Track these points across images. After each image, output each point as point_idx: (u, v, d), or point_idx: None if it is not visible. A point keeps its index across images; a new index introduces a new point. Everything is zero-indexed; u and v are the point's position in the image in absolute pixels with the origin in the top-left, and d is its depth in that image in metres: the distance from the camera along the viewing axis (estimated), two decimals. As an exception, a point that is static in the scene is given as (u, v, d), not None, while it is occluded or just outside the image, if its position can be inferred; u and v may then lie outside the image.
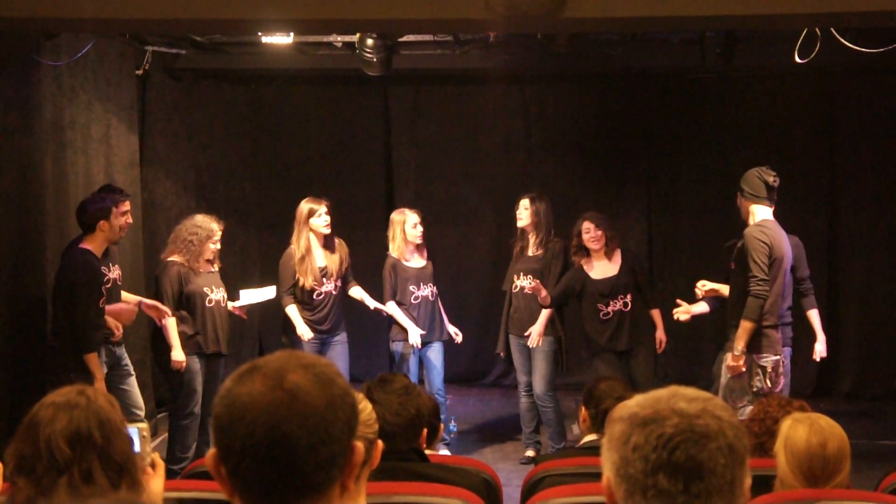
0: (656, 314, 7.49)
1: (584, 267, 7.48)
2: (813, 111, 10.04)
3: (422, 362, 7.77)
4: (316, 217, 7.47)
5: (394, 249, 7.75)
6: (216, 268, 7.21)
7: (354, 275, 7.83)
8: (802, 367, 9.82)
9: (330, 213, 7.51)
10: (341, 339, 7.63)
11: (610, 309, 7.40)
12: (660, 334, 7.44)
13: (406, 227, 7.70)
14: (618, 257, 7.48)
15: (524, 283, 7.60)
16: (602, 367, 7.32)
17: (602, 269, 7.47)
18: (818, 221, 9.96)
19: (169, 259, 7.02)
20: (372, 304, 7.69)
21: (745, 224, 6.37)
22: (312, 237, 7.51)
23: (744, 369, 6.04)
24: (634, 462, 1.62)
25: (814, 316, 6.96)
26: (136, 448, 2.77)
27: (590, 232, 7.43)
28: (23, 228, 6.94)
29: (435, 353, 7.75)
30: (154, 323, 7.03)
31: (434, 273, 7.83)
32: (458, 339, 7.92)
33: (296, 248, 7.50)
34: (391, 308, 7.72)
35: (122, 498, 0.87)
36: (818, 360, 7.14)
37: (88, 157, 7.76)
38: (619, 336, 7.39)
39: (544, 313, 7.49)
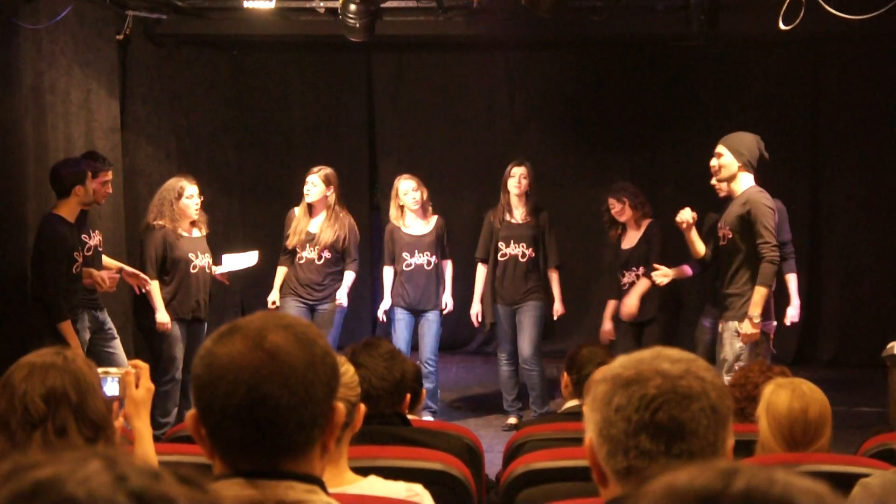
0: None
1: (621, 237, 7.55)
2: (797, 78, 10.03)
3: (416, 330, 7.79)
4: (305, 185, 7.48)
5: (392, 217, 7.78)
6: (203, 233, 7.19)
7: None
8: (783, 334, 9.87)
9: (329, 183, 7.44)
10: (329, 308, 7.56)
11: (626, 280, 7.44)
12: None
13: (399, 193, 7.68)
14: (642, 229, 7.46)
15: (514, 251, 7.59)
16: (622, 338, 7.39)
17: (629, 239, 7.52)
18: (801, 189, 9.97)
19: (155, 223, 7.01)
20: (339, 292, 7.60)
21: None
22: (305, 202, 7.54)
23: (759, 338, 5.97)
24: (617, 423, 1.62)
25: (792, 280, 7.01)
26: (116, 391, 2.84)
27: (614, 207, 7.47)
28: (2, 193, 6.88)
29: (428, 322, 7.73)
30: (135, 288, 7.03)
31: (437, 241, 7.76)
32: (446, 309, 7.85)
33: (299, 206, 7.57)
34: (385, 273, 7.80)
35: (100, 451, 0.86)
36: (788, 324, 7.20)
37: (69, 122, 7.70)
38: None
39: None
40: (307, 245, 7.47)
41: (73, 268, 6.33)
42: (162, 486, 0.86)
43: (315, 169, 7.52)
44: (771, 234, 5.96)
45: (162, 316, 6.87)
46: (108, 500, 0.83)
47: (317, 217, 7.52)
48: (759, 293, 5.95)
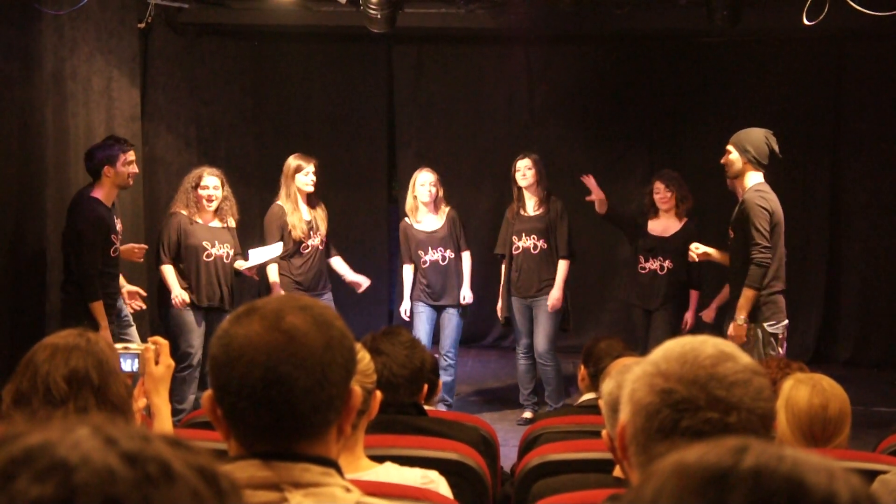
0: (692, 294, 7.45)
1: (648, 222, 7.58)
2: (819, 75, 9.96)
3: (438, 325, 7.76)
4: (302, 174, 7.33)
5: (407, 207, 7.73)
6: (228, 224, 7.16)
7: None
8: (802, 333, 9.84)
9: (317, 173, 7.39)
10: (326, 298, 7.47)
11: (647, 265, 7.48)
12: (688, 315, 7.40)
13: (416, 184, 7.65)
14: (681, 224, 7.49)
15: (526, 243, 7.57)
16: (634, 320, 7.62)
17: (661, 225, 7.54)
18: (821, 187, 9.92)
19: (173, 210, 7.07)
20: (351, 276, 7.66)
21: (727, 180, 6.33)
22: (297, 193, 7.39)
23: (745, 339, 5.94)
24: (655, 436, 1.60)
25: None
26: (135, 368, 2.86)
27: (660, 192, 7.50)
28: (23, 179, 6.90)
29: (449, 316, 7.69)
30: (159, 275, 7.08)
31: (449, 235, 7.69)
32: (465, 301, 7.72)
33: (284, 201, 7.37)
34: (404, 272, 7.75)
35: (87, 418, 0.88)
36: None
37: (89, 109, 7.72)
38: (649, 295, 7.45)
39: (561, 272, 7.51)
40: (310, 233, 7.39)
41: (111, 251, 6.38)
42: (153, 447, 0.86)
43: (302, 156, 7.40)
44: (761, 236, 5.88)
45: (177, 291, 6.89)
46: (102, 463, 0.82)
47: (303, 204, 7.40)
48: (745, 296, 5.89)
